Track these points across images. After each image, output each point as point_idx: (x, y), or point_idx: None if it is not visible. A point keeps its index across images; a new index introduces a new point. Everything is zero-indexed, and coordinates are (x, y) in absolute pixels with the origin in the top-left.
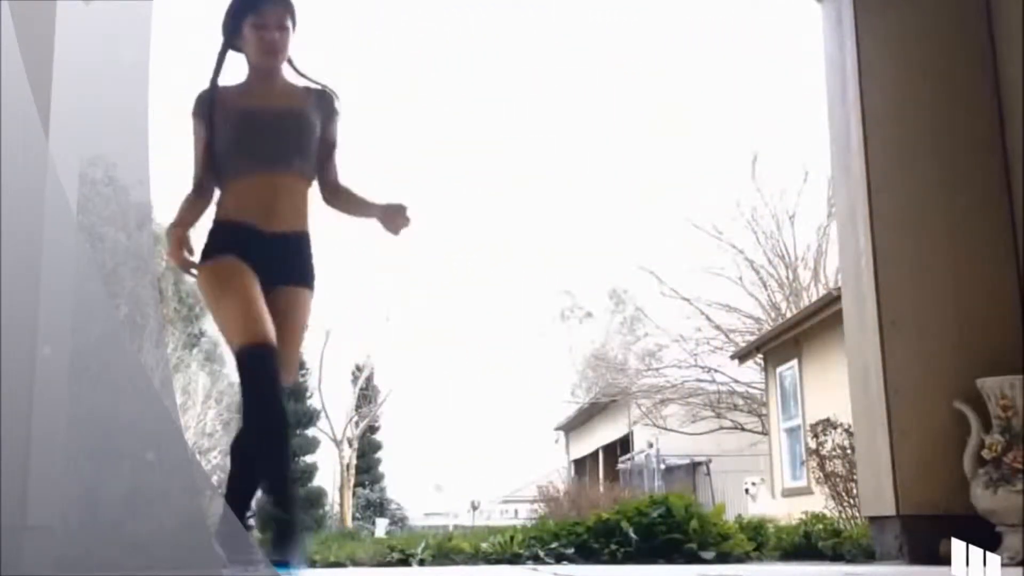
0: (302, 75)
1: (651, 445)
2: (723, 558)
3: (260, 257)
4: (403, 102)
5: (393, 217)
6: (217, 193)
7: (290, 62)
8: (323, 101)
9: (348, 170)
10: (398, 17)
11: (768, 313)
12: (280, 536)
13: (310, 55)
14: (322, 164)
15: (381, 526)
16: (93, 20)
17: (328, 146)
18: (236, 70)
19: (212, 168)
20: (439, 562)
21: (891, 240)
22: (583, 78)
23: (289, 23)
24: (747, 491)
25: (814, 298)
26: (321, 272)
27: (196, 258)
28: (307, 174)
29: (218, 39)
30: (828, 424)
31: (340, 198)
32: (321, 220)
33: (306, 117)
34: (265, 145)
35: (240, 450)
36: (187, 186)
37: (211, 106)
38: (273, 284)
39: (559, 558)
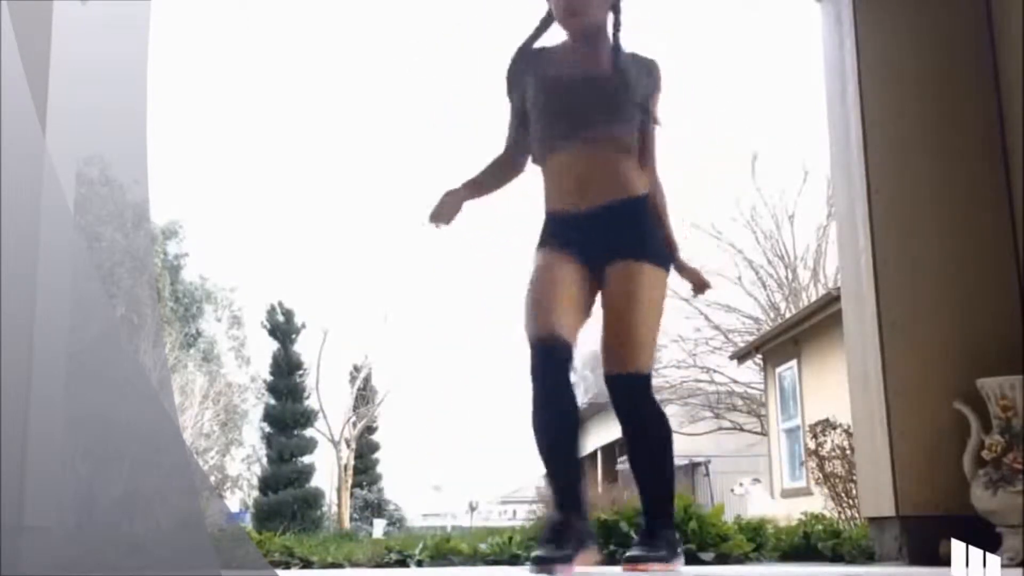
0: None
1: None
2: (722, 559)
3: (572, 238)
4: (401, 101)
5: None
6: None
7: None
8: (645, 70)
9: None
10: (396, 18)
11: (767, 313)
12: (551, 534)
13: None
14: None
15: (379, 527)
16: (90, 19)
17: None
18: None
19: (521, 140)
20: (437, 563)
21: (891, 240)
22: None
23: None
24: (733, 491)
25: (813, 298)
26: (320, 272)
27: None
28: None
29: (216, 39)
30: (827, 425)
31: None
32: (315, 221)
33: (621, 82)
34: (580, 116)
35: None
36: (184, 183)
37: (517, 77)
38: (605, 261)
39: None
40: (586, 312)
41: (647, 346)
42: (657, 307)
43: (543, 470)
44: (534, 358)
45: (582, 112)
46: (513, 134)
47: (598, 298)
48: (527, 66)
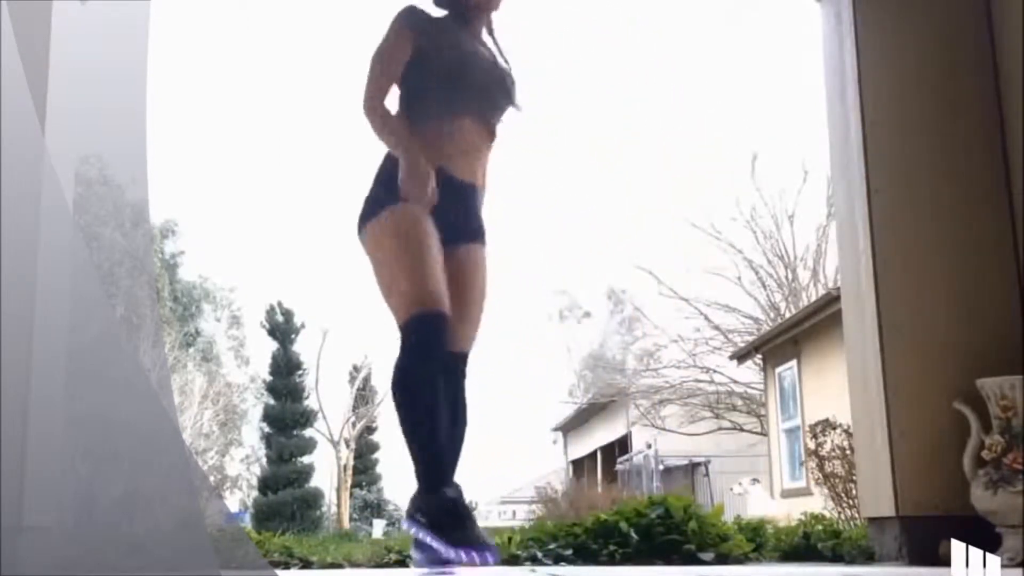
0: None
1: (649, 446)
2: (722, 559)
3: (448, 206)
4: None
5: None
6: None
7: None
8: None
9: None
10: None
11: (767, 313)
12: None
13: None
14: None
15: (378, 527)
16: (90, 20)
17: None
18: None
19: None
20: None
21: (891, 240)
22: (582, 78)
23: None
24: (732, 489)
25: (813, 298)
26: (320, 272)
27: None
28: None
29: (216, 40)
30: (827, 425)
31: None
32: (314, 220)
33: (512, 84)
34: (487, 92)
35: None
36: (183, 183)
37: (425, 27)
38: (454, 241)
39: (557, 559)
40: None
41: (478, 328)
42: (486, 288)
43: (415, 441)
44: (421, 331)
45: (494, 94)
46: (388, 82)
47: None
48: (429, 24)
